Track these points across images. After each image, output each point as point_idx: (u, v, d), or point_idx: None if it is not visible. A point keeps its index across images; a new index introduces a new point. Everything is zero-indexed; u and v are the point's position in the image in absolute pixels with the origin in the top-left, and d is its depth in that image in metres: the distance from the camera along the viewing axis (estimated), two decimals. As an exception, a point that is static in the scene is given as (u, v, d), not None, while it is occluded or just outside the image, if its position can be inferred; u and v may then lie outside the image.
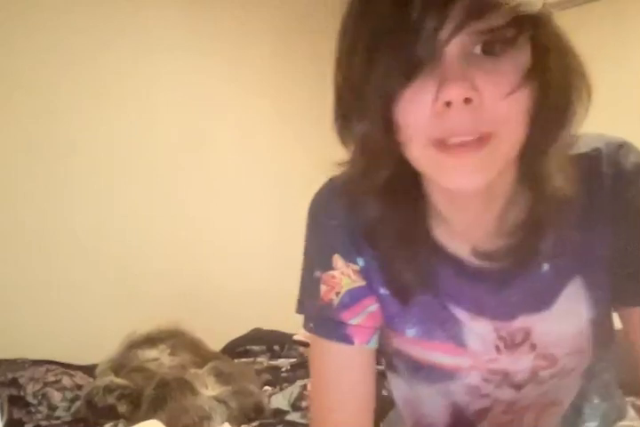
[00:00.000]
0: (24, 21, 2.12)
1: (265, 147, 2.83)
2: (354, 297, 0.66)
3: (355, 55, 0.51)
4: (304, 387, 1.73)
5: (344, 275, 0.66)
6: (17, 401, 1.63)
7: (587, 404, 0.73)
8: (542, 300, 0.62)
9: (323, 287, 0.67)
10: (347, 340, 0.66)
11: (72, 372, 1.83)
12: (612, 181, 0.59)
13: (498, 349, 0.64)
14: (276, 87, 2.86)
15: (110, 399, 1.54)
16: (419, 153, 0.52)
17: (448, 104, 0.48)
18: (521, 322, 0.63)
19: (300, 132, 2.91)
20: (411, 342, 0.67)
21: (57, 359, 1.92)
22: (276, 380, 1.87)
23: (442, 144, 0.50)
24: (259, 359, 2.14)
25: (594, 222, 0.60)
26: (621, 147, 0.61)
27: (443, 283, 0.63)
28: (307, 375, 1.85)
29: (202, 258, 2.54)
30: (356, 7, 0.52)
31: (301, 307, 0.71)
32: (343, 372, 0.67)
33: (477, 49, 0.49)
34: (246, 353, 2.23)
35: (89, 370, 1.83)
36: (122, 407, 1.53)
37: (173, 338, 1.78)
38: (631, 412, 0.78)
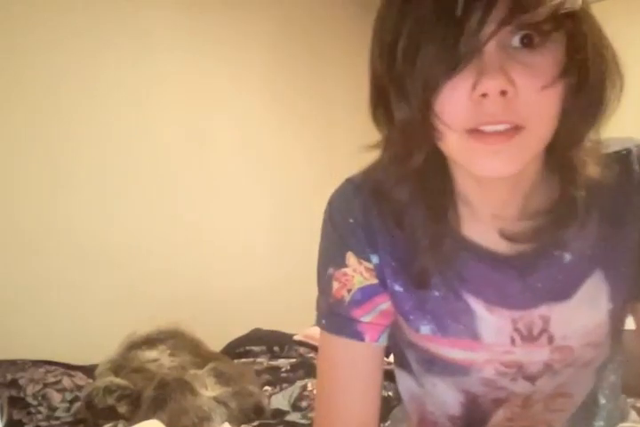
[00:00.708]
0: (24, 21, 2.12)
1: (265, 147, 2.83)
2: (365, 295, 0.67)
3: (397, 46, 0.52)
4: (304, 387, 1.72)
5: (356, 272, 0.67)
6: (17, 402, 1.62)
7: (594, 404, 0.73)
8: (564, 289, 0.63)
9: (335, 284, 0.68)
10: (357, 336, 0.67)
11: (72, 373, 1.83)
12: None
13: (513, 341, 0.65)
14: (276, 88, 2.86)
15: (110, 400, 1.53)
16: (454, 140, 0.53)
17: (484, 95, 0.49)
18: (541, 311, 0.64)
19: (299, 132, 2.91)
20: (425, 338, 0.68)
21: (57, 360, 1.92)
22: (276, 380, 1.87)
23: (476, 132, 0.51)
24: (259, 360, 2.14)
25: (621, 218, 0.62)
26: None
27: (464, 269, 0.64)
28: (307, 376, 1.84)
29: (202, 258, 2.54)
30: None
31: (317, 304, 0.72)
32: (352, 367, 0.68)
33: (516, 41, 0.49)
34: (246, 354, 2.22)
35: (89, 371, 1.83)
36: (122, 408, 1.53)
37: (173, 339, 1.77)
38: (632, 413, 0.79)
